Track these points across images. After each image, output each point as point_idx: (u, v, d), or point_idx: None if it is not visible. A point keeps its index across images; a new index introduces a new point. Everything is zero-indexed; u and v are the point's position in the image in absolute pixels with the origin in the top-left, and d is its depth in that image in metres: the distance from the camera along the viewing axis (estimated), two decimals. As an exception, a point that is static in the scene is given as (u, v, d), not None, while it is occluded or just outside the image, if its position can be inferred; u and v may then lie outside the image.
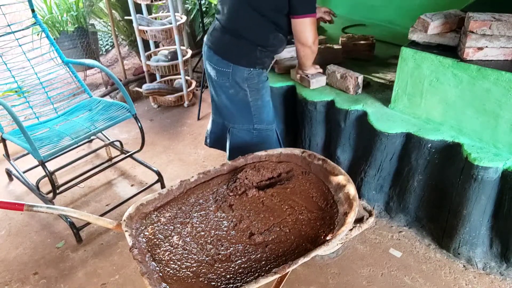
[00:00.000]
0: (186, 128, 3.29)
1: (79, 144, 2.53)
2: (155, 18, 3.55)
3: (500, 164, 1.69)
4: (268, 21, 1.83)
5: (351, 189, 1.55)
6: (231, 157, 2.20)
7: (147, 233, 1.47)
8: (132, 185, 2.64)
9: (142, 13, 3.44)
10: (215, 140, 2.31)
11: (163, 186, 2.53)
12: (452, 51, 1.80)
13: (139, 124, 2.42)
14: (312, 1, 1.77)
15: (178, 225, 1.52)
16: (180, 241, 1.45)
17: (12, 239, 2.24)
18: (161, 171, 2.57)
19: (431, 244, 2.05)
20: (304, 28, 1.80)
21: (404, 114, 2.04)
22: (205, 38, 2.03)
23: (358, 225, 1.52)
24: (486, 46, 1.68)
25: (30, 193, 2.53)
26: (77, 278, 1.98)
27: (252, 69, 1.92)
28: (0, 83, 2.52)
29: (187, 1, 4.07)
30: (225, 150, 2.23)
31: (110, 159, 2.86)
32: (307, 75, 2.28)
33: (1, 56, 2.51)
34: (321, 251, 1.35)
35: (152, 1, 3.13)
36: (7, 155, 2.52)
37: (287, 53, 2.47)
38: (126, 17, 3.88)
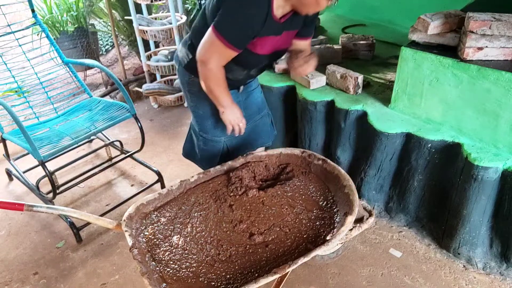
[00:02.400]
0: (186, 128, 3.28)
1: (79, 144, 2.53)
2: (155, 18, 3.55)
3: (500, 164, 1.69)
4: None
5: (351, 189, 1.55)
6: (184, 151, 2.11)
7: (147, 233, 1.47)
8: (132, 185, 2.64)
9: (142, 13, 3.44)
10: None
11: (163, 186, 2.53)
12: (452, 51, 1.80)
13: (139, 124, 2.42)
14: (229, 27, 1.47)
15: (178, 225, 1.52)
16: (180, 241, 1.45)
17: (12, 239, 2.24)
18: (161, 171, 2.57)
19: (431, 244, 2.05)
20: (205, 38, 1.52)
21: (404, 114, 2.04)
22: None
23: (358, 225, 1.52)
24: (486, 46, 1.68)
25: (30, 193, 2.53)
26: (77, 278, 1.98)
27: (193, 75, 1.72)
28: (0, 83, 2.52)
29: (187, 1, 4.07)
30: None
31: (110, 159, 2.85)
32: (306, 75, 2.28)
33: (1, 56, 2.51)
34: (321, 251, 1.35)
35: (152, 1, 3.13)
36: (7, 155, 2.52)
37: (287, 53, 2.45)
38: (126, 17, 3.88)
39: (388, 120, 2.00)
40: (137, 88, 3.73)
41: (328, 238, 1.40)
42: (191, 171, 2.74)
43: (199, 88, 1.69)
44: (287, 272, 1.33)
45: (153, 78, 3.70)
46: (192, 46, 1.67)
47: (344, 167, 2.24)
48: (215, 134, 1.88)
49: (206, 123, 1.86)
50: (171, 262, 1.37)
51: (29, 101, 2.57)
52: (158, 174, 2.52)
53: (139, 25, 3.19)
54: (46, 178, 2.17)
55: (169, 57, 3.41)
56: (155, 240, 1.45)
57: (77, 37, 3.98)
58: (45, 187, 2.46)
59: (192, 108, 1.87)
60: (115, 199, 2.50)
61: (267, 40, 1.59)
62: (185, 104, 3.60)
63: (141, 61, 3.62)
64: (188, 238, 1.46)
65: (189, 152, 2.11)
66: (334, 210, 1.54)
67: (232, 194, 1.64)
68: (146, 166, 2.61)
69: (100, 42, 4.80)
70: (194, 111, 1.86)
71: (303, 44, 1.77)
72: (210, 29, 1.50)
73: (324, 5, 1.45)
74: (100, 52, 4.64)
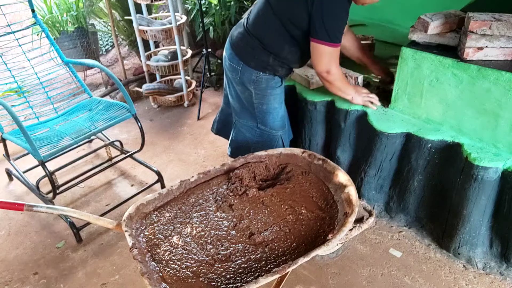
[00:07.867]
0: (186, 128, 3.29)
1: (79, 144, 2.53)
2: (155, 18, 3.55)
3: (500, 164, 1.69)
4: (286, 31, 1.81)
5: (351, 189, 1.55)
6: (231, 150, 2.24)
7: (147, 233, 1.47)
8: (132, 185, 2.64)
9: (142, 13, 3.44)
10: (221, 129, 2.40)
11: (163, 186, 2.53)
12: (452, 51, 1.80)
13: (139, 124, 2.42)
14: (334, 31, 1.72)
15: (178, 225, 1.52)
16: (180, 241, 1.45)
17: (12, 239, 2.24)
18: (161, 171, 2.57)
19: (431, 244, 2.05)
20: (317, 54, 1.78)
21: (404, 114, 2.04)
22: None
23: (358, 225, 1.52)
24: (486, 46, 1.68)
25: (30, 193, 2.53)
26: (77, 278, 1.98)
27: (260, 73, 1.91)
28: (0, 83, 2.52)
29: (187, 1, 4.07)
30: (228, 139, 2.30)
31: (110, 159, 2.85)
32: (306, 75, 2.28)
33: (1, 56, 2.51)
34: (321, 251, 1.35)
35: (152, 1, 3.13)
36: (7, 155, 2.52)
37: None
38: (126, 17, 3.88)
39: (388, 120, 2.00)
40: (137, 88, 3.73)
41: (328, 238, 1.40)
42: (191, 171, 2.75)
43: (266, 85, 1.93)
44: (287, 272, 1.33)
45: (153, 78, 3.70)
46: (260, 44, 1.86)
47: (344, 167, 2.24)
48: (273, 128, 2.07)
49: (267, 117, 2.04)
50: (171, 262, 1.37)
51: (29, 101, 2.56)
52: (158, 174, 2.52)
53: (139, 25, 3.19)
54: (46, 178, 2.17)
55: (169, 57, 3.41)
56: (155, 240, 1.45)
57: (77, 37, 3.98)
58: (45, 187, 2.46)
59: (256, 105, 2.01)
60: (115, 199, 2.50)
61: None
62: (185, 104, 3.61)
63: (141, 61, 3.62)
64: (188, 238, 1.46)
65: (221, 129, 2.40)
66: (334, 210, 1.55)
67: (232, 194, 1.64)
68: (146, 166, 2.61)
69: (100, 42, 4.79)
70: (258, 107, 2.02)
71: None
72: (315, 43, 1.74)
73: None
74: (100, 52, 4.64)
